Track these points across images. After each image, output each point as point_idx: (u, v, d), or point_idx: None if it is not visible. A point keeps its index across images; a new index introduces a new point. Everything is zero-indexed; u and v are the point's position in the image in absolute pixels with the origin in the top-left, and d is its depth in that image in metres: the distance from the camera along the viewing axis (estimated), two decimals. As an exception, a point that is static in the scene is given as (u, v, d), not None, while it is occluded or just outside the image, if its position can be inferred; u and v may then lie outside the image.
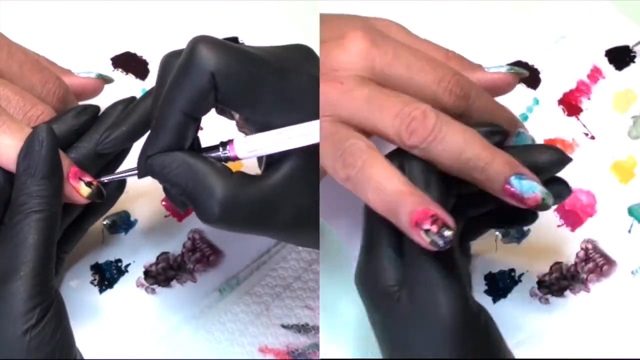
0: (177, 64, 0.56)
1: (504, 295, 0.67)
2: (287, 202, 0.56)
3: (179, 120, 0.56)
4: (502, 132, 0.59)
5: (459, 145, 0.56)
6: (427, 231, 0.54)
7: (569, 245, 0.68)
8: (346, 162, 0.57)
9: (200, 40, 0.56)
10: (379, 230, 0.58)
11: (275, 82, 0.56)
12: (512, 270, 0.68)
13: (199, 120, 0.57)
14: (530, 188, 0.56)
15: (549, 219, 0.68)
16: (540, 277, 0.68)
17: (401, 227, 0.55)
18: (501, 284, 0.68)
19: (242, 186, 0.56)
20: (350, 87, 0.58)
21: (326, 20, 0.63)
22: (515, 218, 0.62)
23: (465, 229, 0.62)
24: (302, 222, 0.57)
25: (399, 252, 0.57)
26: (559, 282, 0.67)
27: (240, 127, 0.60)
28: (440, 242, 0.54)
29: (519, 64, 0.72)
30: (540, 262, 0.68)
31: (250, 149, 0.57)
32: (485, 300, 0.66)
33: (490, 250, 0.69)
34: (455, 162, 0.56)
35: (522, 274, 0.68)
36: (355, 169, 0.57)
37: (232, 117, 0.61)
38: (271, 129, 0.56)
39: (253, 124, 0.57)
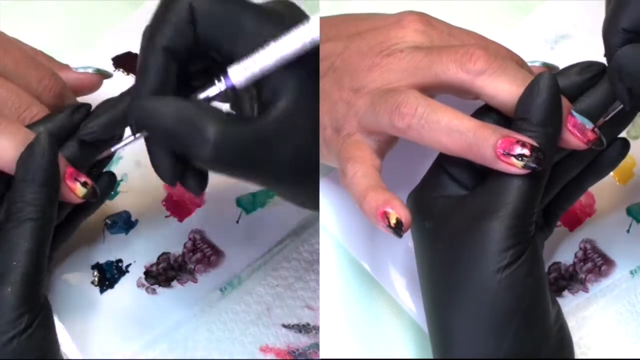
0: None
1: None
2: (284, 141, 0.56)
3: (160, 57, 0.56)
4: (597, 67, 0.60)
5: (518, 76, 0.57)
6: (519, 156, 0.55)
7: (568, 245, 0.68)
8: (404, 112, 0.57)
9: None
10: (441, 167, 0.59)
11: (255, 21, 0.56)
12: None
13: (181, 60, 0.57)
14: (588, 122, 0.57)
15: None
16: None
17: (486, 161, 0.56)
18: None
19: (236, 125, 0.55)
20: (408, 52, 0.60)
21: (363, 16, 0.65)
22: (602, 167, 0.62)
23: (558, 197, 0.63)
24: (300, 165, 0.57)
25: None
26: (557, 282, 0.67)
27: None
28: (533, 164, 0.55)
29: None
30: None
31: (245, 69, 0.56)
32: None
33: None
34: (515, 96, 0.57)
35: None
36: (417, 116, 0.57)
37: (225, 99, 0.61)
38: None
39: None
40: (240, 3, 0.56)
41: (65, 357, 0.62)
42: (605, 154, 0.61)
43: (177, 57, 0.56)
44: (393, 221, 0.57)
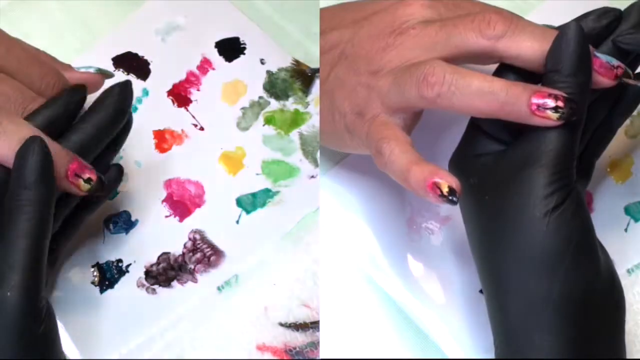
0: None
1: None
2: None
3: None
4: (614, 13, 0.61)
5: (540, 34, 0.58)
6: (553, 109, 0.55)
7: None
8: (432, 81, 0.58)
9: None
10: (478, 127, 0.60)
11: None
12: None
13: None
14: (612, 58, 0.58)
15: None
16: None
17: (521, 118, 0.56)
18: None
19: None
20: (421, 28, 0.60)
21: (364, 2, 0.65)
22: (628, 104, 0.63)
23: (590, 144, 0.64)
24: None
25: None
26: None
27: None
28: (568, 114, 0.56)
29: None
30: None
31: None
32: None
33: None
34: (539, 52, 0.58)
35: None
36: (446, 83, 0.57)
37: None
38: None
39: None
40: None
41: (65, 357, 0.62)
42: (629, 91, 0.62)
43: None
44: (445, 189, 0.56)
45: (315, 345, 0.66)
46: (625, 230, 0.68)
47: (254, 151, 0.72)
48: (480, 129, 0.60)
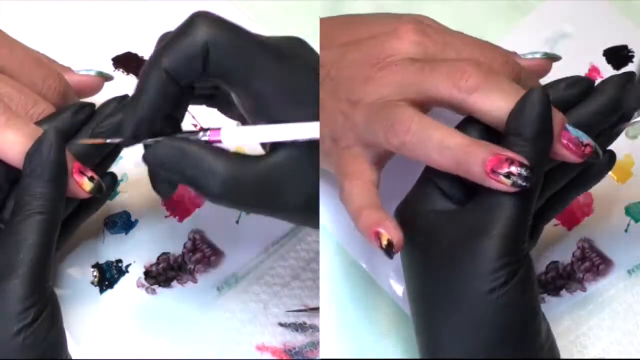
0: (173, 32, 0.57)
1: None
2: (292, 183, 0.57)
3: (160, 78, 0.56)
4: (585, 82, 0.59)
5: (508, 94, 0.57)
6: (507, 175, 0.54)
7: (566, 244, 0.68)
8: (397, 130, 0.57)
9: (199, 14, 0.57)
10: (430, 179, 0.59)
11: (270, 64, 0.56)
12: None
13: (183, 84, 0.57)
14: (583, 135, 0.57)
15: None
16: (535, 276, 0.68)
17: (475, 178, 0.55)
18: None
19: (243, 163, 0.56)
20: (403, 65, 0.60)
21: (361, 20, 0.65)
22: (587, 179, 0.62)
23: (542, 209, 0.63)
24: (308, 205, 0.58)
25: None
26: (555, 281, 0.67)
27: (236, 111, 0.61)
28: (522, 181, 0.54)
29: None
30: (536, 261, 0.68)
31: (239, 139, 0.57)
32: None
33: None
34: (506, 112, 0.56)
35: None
36: (410, 133, 0.57)
37: (223, 110, 0.62)
38: (265, 116, 0.56)
39: (247, 108, 0.58)
40: (256, 44, 0.57)
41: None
42: (592, 166, 0.61)
43: (178, 81, 0.56)
44: (384, 242, 0.57)
45: (315, 345, 0.66)
46: (626, 230, 0.68)
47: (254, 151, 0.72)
48: (434, 182, 0.59)
